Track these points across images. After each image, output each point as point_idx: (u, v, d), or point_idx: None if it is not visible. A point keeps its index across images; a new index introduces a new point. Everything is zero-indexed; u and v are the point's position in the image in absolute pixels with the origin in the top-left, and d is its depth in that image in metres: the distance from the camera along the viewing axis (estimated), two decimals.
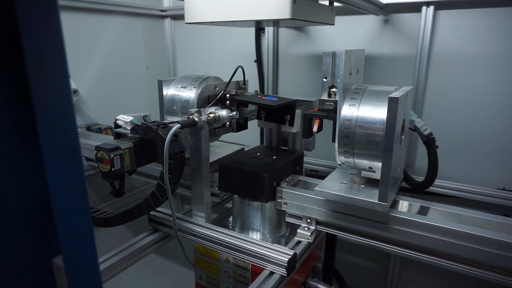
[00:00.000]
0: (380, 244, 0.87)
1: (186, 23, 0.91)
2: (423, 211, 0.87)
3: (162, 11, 1.82)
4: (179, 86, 1.04)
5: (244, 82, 1.13)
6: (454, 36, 1.23)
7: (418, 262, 1.44)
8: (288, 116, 1.04)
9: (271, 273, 0.80)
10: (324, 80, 0.84)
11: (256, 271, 0.94)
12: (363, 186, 0.86)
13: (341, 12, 1.38)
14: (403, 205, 0.88)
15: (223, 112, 0.85)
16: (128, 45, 1.74)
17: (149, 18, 1.80)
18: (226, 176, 0.98)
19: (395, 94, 0.71)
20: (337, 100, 0.82)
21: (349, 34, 1.43)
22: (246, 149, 1.20)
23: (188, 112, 0.85)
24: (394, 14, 1.32)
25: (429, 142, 0.95)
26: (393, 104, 0.70)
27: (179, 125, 0.75)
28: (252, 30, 1.60)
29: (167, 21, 1.84)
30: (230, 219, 1.10)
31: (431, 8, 1.23)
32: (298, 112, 1.05)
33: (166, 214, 0.98)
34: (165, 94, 1.05)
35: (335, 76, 0.83)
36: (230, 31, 1.68)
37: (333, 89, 0.84)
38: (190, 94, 1.01)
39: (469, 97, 1.26)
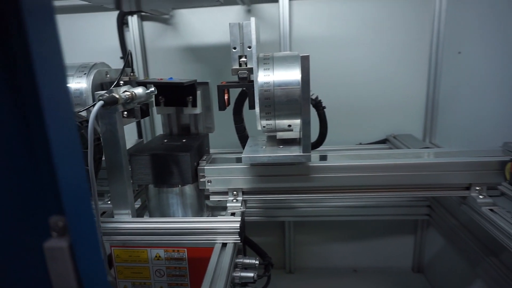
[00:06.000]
0: (303, 197, 0.96)
1: None
2: (325, 158, 1.01)
3: None
4: None
5: (133, 69, 1.06)
6: (307, 22, 1.46)
7: (308, 224, 1.64)
8: (191, 97, 1.02)
9: (224, 244, 0.78)
10: (234, 50, 0.88)
11: (193, 258, 0.90)
12: (281, 146, 0.93)
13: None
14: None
15: (139, 90, 0.77)
16: None
17: None
18: (140, 166, 0.90)
19: (304, 54, 0.80)
20: (250, 68, 0.87)
21: (215, 24, 1.50)
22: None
23: (95, 95, 0.74)
24: (255, 5, 1.46)
25: (317, 104, 1.11)
26: (305, 61, 0.79)
27: (102, 102, 0.64)
28: (113, 27, 1.49)
29: None
30: (145, 216, 1.01)
31: None
32: (198, 93, 1.05)
33: None
34: None
35: (244, 45, 0.87)
36: (89, 28, 1.51)
37: (243, 59, 0.89)
38: (80, 83, 0.88)
39: (325, 71, 1.50)
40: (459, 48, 1.31)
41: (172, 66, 1.54)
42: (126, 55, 1.51)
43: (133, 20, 1.47)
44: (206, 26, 1.50)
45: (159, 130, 1.61)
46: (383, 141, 1.54)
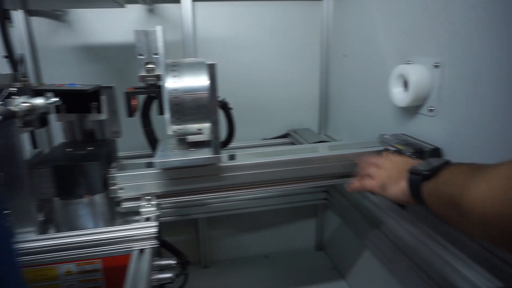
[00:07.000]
0: (215, 195, 1.02)
1: None
2: (234, 157, 1.08)
3: None
4: None
5: (26, 74, 0.97)
6: (211, 24, 1.50)
7: (220, 218, 1.70)
8: (95, 103, 0.99)
9: (141, 250, 0.79)
10: (141, 57, 0.88)
11: (109, 267, 0.88)
12: (193, 149, 0.97)
13: None
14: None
15: (39, 100, 0.73)
16: None
17: None
18: (43, 180, 0.85)
19: (210, 61, 0.85)
20: (158, 75, 0.88)
21: (115, 24, 1.44)
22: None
23: None
24: (157, 4, 1.45)
25: (224, 105, 1.17)
26: (212, 69, 0.84)
27: (0, 116, 0.60)
28: None
29: None
30: (51, 231, 0.95)
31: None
32: (103, 98, 1.02)
33: None
34: None
35: (151, 52, 0.88)
36: None
37: (150, 65, 0.90)
38: None
39: (229, 72, 1.56)
40: (344, 51, 1.50)
41: (69, 68, 1.44)
42: (11, 56, 1.36)
43: (18, 15, 1.33)
44: (105, 25, 1.44)
45: (58, 138, 1.49)
46: (285, 136, 1.68)
